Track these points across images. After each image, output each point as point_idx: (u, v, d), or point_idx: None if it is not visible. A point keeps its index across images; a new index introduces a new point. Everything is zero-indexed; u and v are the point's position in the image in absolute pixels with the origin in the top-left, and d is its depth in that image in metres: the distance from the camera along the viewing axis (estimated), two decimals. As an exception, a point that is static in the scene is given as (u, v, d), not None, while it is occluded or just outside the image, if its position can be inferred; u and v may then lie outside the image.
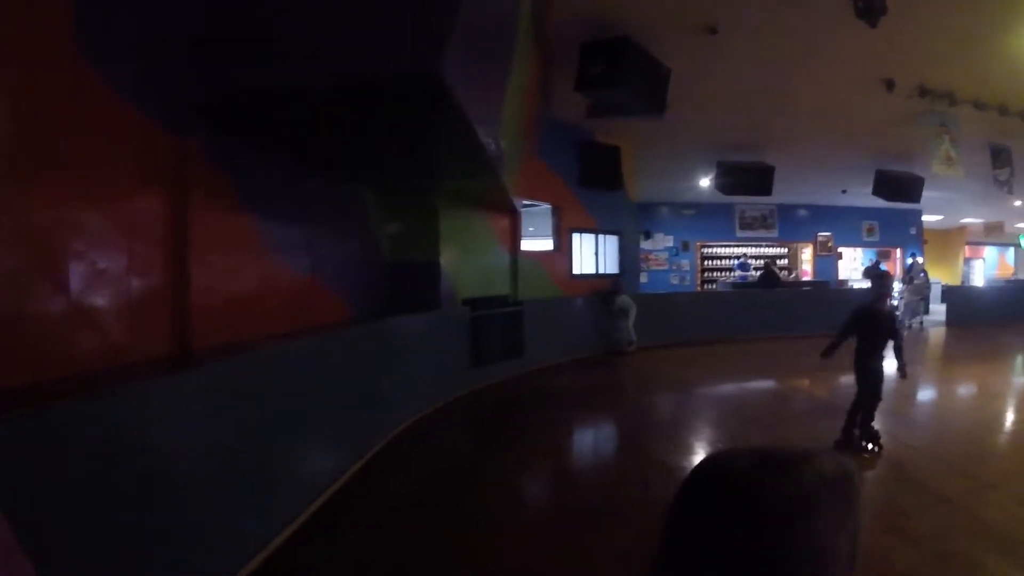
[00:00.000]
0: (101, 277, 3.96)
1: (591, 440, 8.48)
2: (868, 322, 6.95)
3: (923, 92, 11.68)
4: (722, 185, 17.04)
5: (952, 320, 19.25)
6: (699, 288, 24.34)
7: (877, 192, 17.89)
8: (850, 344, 7.05)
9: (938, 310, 19.75)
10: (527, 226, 14.05)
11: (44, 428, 2.77)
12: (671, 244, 24.56)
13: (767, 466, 0.90)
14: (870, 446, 6.87)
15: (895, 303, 22.60)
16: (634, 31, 9.03)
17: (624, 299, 14.58)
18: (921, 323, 19.69)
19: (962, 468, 6.22)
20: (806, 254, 25.93)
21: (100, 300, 3.95)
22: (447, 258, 10.36)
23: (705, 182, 19.25)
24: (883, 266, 23.96)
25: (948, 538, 4.63)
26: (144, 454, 3.37)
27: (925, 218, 25.77)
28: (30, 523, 2.49)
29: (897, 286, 23.42)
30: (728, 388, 11.16)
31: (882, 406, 9.26)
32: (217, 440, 4.11)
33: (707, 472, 0.96)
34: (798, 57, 10.22)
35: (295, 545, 4.80)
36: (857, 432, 7.01)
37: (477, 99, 5.34)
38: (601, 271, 15.72)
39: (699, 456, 6.79)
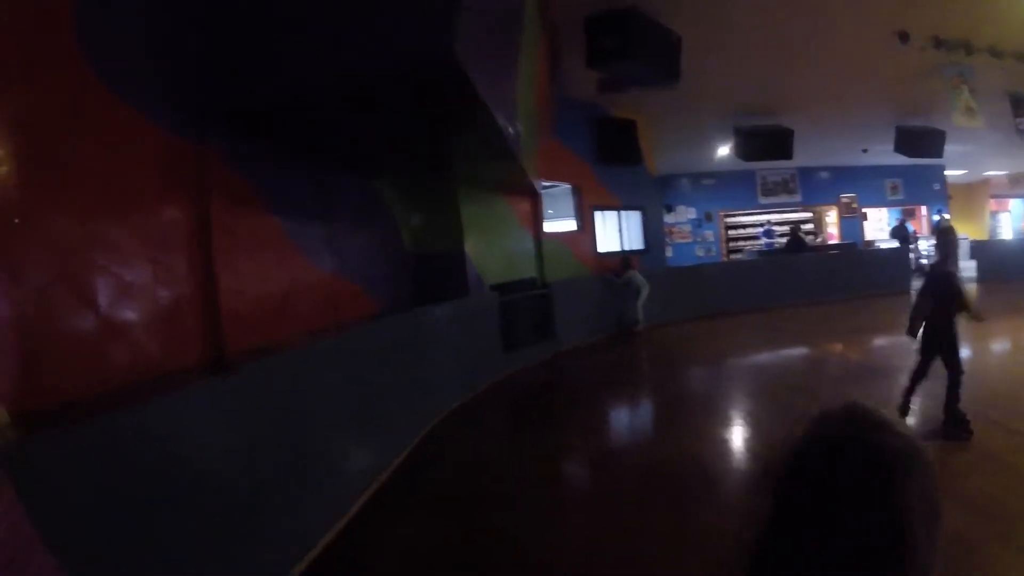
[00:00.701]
0: (129, 290, 3.96)
1: (633, 418, 8.39)
2: (941, 286, 6.32)
3: (938, 43, 11.44)
4: (742, 151, 16.79)
5: (983, 276, 18.91)
6: (725, 258, 24.09)
7: (898, 149, 17.59)
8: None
9: (967, 266, 19.41)
10: (546, 208, 13.96)
11: (83, 443, 2.77)
12: (694, 216, 24.32)
13: (866, 424, 0.92)
14: (962, 431, 5.88)
15: (924, 260, 22.40)
16: (640, 1, 8.93)
17: (634, 275, 14.16)
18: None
19: (1005, 424, 6.10)
20: (831, 217, 25.56)
21: (129, 313, 3.96)
22: (472, 245, 10.34)
23: (724, 150, 19.00)
24: (909, 225, 23.67)
25: (999, 497, 4.52)
26: (185, 461, 3.36)
27: (948, 173, 25.21)
28: (76, 541, 2.53)
29: (924, 244, 23.23)
30: (764, 357, 11.03)
31: (913, 363, 9.20)
32: (257, 443, 4.10)
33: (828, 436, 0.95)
34: (810, 15, 10.03)
35: (344, 541, 4.79)
36: (942, 418, 6.09)
37: (490, 81, 5.30)
38: (626, 247, 15.61)
39: (745, 428, 6.77)
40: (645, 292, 14.04)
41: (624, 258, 14.57)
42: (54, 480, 2.54)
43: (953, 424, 5.96)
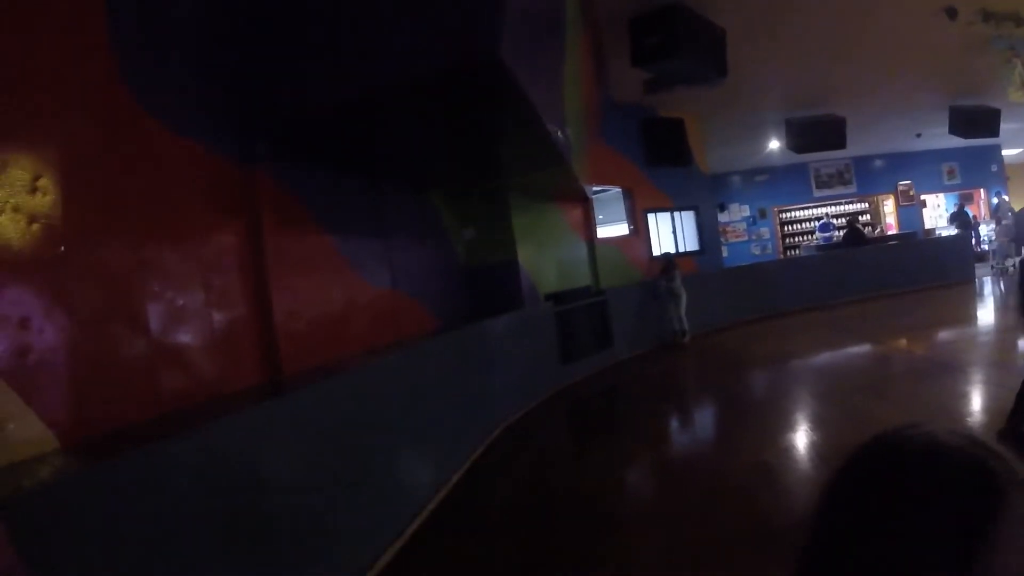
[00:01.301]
0: (182, 314, 3.95)
1: (698, 426, 8.13)
2: None
3: (986, 16, 11.07)
4: (793, 144, 16.52)
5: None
6: (781, 255, 23.71)
7: (953, 130, 17.14)
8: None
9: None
10: (598, 214, 13.80)
11: (144, 469, 2.73)
12: (748, 213, 24.02)
13: (976, 443, 0.80)
14: None
15: (986, 246, 21.78)
16: (682, -3, 8.77)
17: (678, 278, 13.03)
18: (1015, 265, 18.71)
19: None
20: (888, 206, 24.95)
21: (183, 337, 3.94)
22: (524, 255, 10.23)
23: (775, 144, 18.74)
24: (968, 209, 23.01)
25: None
26: (239, 485, 3.30)
27: (1005, 152, 24.43)
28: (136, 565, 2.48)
29: (984, 229, 22.57)
30: (828, 357, 10.66)
31: (987, 356, 8.81)
32: (315, 464, 4.04)
33: (906, 447, 0.83)
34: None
35: (404, 561, 4.68)
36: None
37: (536, 84, 5.23)
38: (681, 249, 15.36)
39: (813, 432, 6.51)
40: (685, 299, 13.06)
41: (667, 259, 13.48)
42: (100, 510, 2.48)
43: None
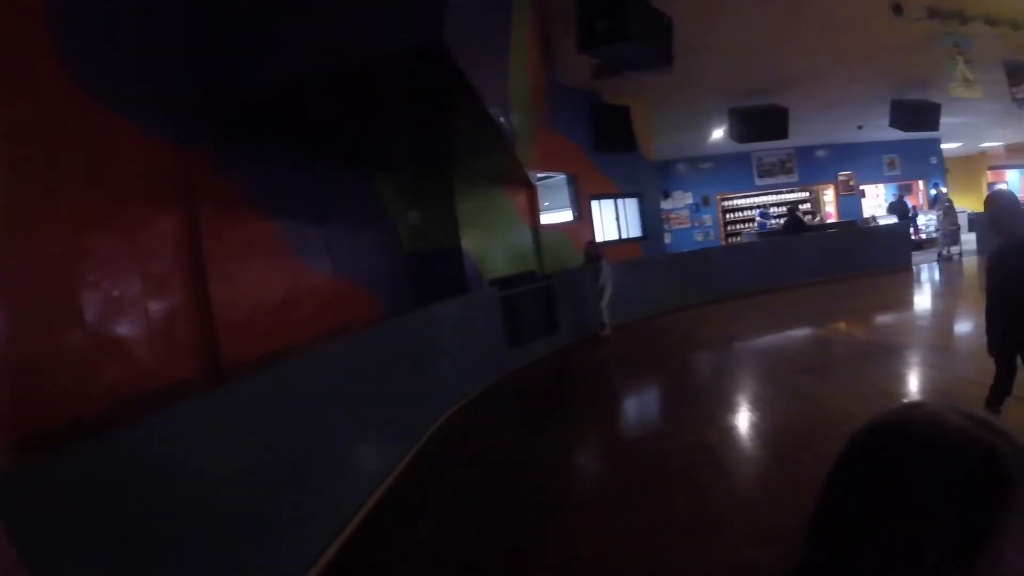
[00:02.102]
0: (119, 304, 3.83)
1: (644, 408, 8.23)
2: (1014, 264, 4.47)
3: (932, 13, 11.30)
4: (736, 133, 16.66)
5: (984, 248, 18.77)
6: (724, 242, 24.05)
7: (894, 123, 17.45)
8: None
9: (967, 238, 19.29)
10: (543, 200, 13.79)
11: (80, 465, 2.63)
12: (691, 201, 24.28)
13: (983, 423, 0.76)
14: None
15: (924, 235, 22.44)
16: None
17: (603, 267, 12.28)
18: (960, 253, 19.21)
19: (1021, 395, 5.93)
20: (828, 195, 25.53)
21: (121, 328, 3.82)
22: (469, 241, 10.22)
23: (719, 133, 18.93)
24: (907, 200, 23.64)
25: None
26: (185, 475, 3.22)
27: (944, 146, 25.16)
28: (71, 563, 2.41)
29: (923, 218, 23.25)
30: (771, 339, 10.90)
31: (926, 340, 9.06)
32: (261, 453, 3.96)
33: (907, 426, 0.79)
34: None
35: (355, 546, 4.65)
36: None
37: (481, 70, 5.19)
38: (624, 236, 15.44)
39: (756, 413, 6.61)
40: (609, 291, 12.34)
41: (590, 243, 12.84)
42: (45, 506, 2.39)
43: None
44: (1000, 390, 4.85)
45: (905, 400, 0.72)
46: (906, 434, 0.78)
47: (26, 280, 3.19)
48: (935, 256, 19.11)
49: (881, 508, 0.75)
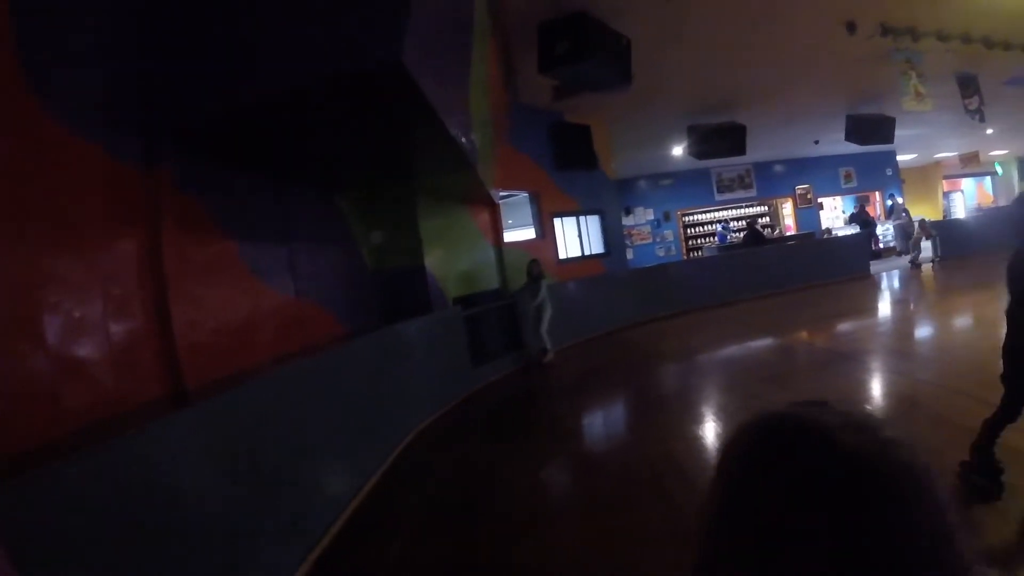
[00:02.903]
0: (80, 326, 3.77)
1: (610, 421, 8.22)
2: None
3: (885, 31, 11.61)
4: (695, 150, 16.90)
5: (941, 254, 19.21)
6: (685, 256, 24.31)
7: (849, 138, 17.88)
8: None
9: (925, 246, 19.70)
10: (506, 218, 13.83)
11: (41, 491, 2.59)
12: (652, 217, 24.53)
13: (859, 427, 0.74)
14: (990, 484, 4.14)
15: (882, 244, 22.93)
16: (590, 4, 8.86)
17: (543, 288, 11.51)
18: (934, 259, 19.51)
19: (981, 397, 6.05)
20: (787, 209, 26.00)
21: (82, 350, 3.77)
22: (432, 260, 10.23)
23: (679, 150, 19.16)
24: (867, 210, 24.13)
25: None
26: (147, 498, 3.17)
27: (900, 158, 25.89)
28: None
29: (880, 228, 23.76)
30: (733, 350, 11.00)
31: (887, 344, 9.23)
32: (222, 476, 3.92)
33: (784, 429, 0.80)
34: (759, 9, 10.07)
35: (324, 568, 4.61)
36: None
37: (442, 91, 5.22)
38: (587, 252, 15.54)
39: (718, 423, 6.68)
40: (549, 313, 11.56)
41: (533, 261, 11.87)
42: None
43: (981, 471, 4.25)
44: (1008, 416, 4.21)
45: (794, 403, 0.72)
46: (775, 436, 0.79)
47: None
48: (908, 264, 19.38)
49: (754, 514, 0.75)
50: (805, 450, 0.74)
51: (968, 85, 14.83)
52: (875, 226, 23.61)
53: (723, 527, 0.80)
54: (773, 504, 0.73)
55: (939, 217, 26.70)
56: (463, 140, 6.40)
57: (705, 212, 25.30)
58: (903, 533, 0.68)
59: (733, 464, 0.83)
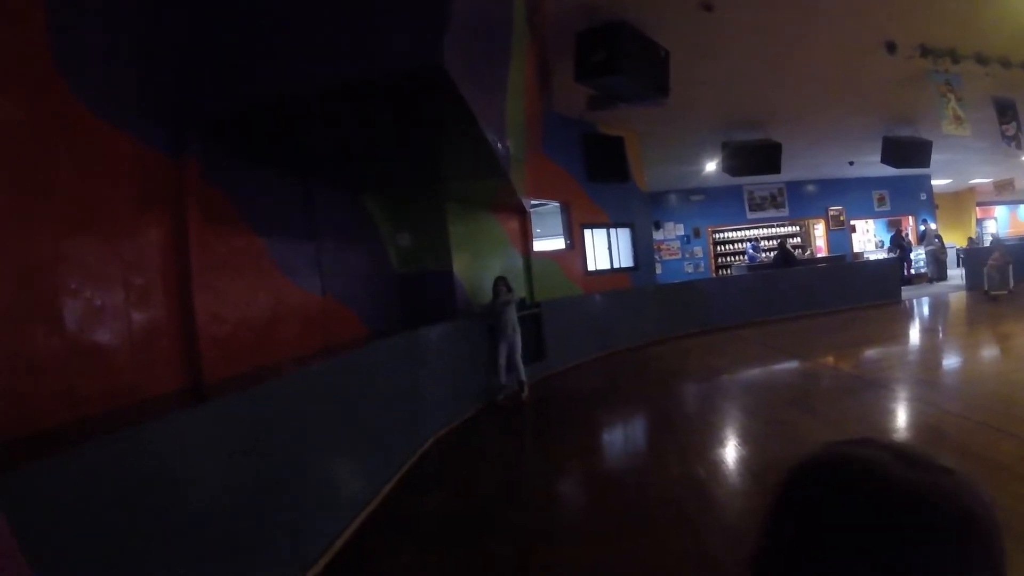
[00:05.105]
0: (100, 313, 3.75)
1: (632, 438, 8.13)
2: None
3: (925, 52, 11.43)
4: (729, 167, 16.73)
5: (972, 283, 18.85)
6: (714, 274, 24.13)
7: (885, 160, 17.57)
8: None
9: (955, 274, 19.37)
10: (535, 227, 13.75)
11: (56, 477, 2.56)
12: (682, 232, 24.40)
13: (915, 465, 0.73)
14: None
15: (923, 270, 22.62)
16: (629, 15, 8.79)
17: (511, 310, 9.95)
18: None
19: (1009, 430, 5.90)
20: (819, 230, 25.71)
21: (101, 337, 3.74)
22: (460, 265, 10.16)
23: (712, 166, 19.04)
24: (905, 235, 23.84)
25: (1012, 507, 4.23)
26: (159, 494, 3.13)
27: (934, 183, 25.52)
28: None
29: (913, 254, 23.51)
30: (758, 372, 10.86)
31: (913, 373, 9.07)
32: (237, 474, 3.87)
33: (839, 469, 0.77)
34: (797, 27, 9.93)
35: (336, 571, 4.57)
36: None
37: (480, 94, 5.16)
38: (616, 265, 15.43)
39: (744, 446, 6.56)
40: (519, 338, 10.00)
41: (502, 279, 10.04)
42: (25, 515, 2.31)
43: None
44: None
45: (847, 439, 0.69)
46: (840, 479, 0.76)
47: (4, 282, 3.13)
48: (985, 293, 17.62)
49: (810, 548, 0.73)
50: (860, 488, 0.73)
51: (1006, 111, 14.57)
52: (911, 251, 23.32)
53: (780, 570, 0.77)
54: (830, 543, 0.72)
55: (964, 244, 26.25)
56: (498, 146, 6.35)
57: (736, 230, 25.09)
58: (959, 568, 0.67)
59: (788, 509, 0.80)
